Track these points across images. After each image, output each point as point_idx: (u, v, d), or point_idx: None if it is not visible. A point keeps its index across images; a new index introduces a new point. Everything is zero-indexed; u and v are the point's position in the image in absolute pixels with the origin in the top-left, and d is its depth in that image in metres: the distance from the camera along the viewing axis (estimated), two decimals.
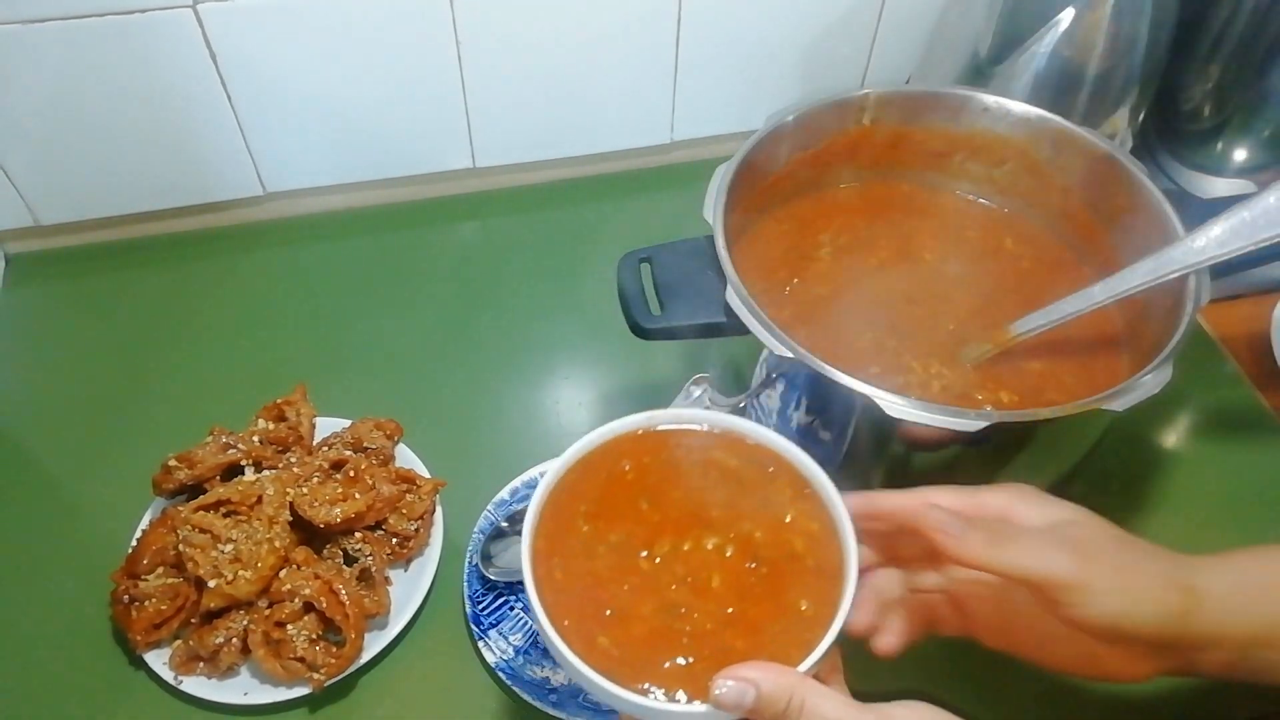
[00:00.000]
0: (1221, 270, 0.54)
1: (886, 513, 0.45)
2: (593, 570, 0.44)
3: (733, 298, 0.54)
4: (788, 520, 0.45)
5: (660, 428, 0.49)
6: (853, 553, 0.43)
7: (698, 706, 0.39)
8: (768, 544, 0.45)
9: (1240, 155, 0.82)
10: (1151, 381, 0.50)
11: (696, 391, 0.71)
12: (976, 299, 0.64)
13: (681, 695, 0.40)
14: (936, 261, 0.66)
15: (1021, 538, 0.42)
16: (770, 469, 0.47)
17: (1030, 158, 0.66)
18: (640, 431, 0.48)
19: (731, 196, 0.59)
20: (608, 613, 0.43)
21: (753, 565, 0.44)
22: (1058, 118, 0.64)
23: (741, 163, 0.60)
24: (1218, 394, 0.76)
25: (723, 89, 0.89)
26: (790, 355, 0.51)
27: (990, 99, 0.65)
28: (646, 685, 0.40)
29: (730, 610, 0.43)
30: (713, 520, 0.45)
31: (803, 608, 0.42)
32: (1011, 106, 0.65)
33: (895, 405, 0.49)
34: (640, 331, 0.57)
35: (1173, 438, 0.73)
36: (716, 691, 0.38)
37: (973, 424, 0.48)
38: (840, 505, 0.44)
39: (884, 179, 0.70)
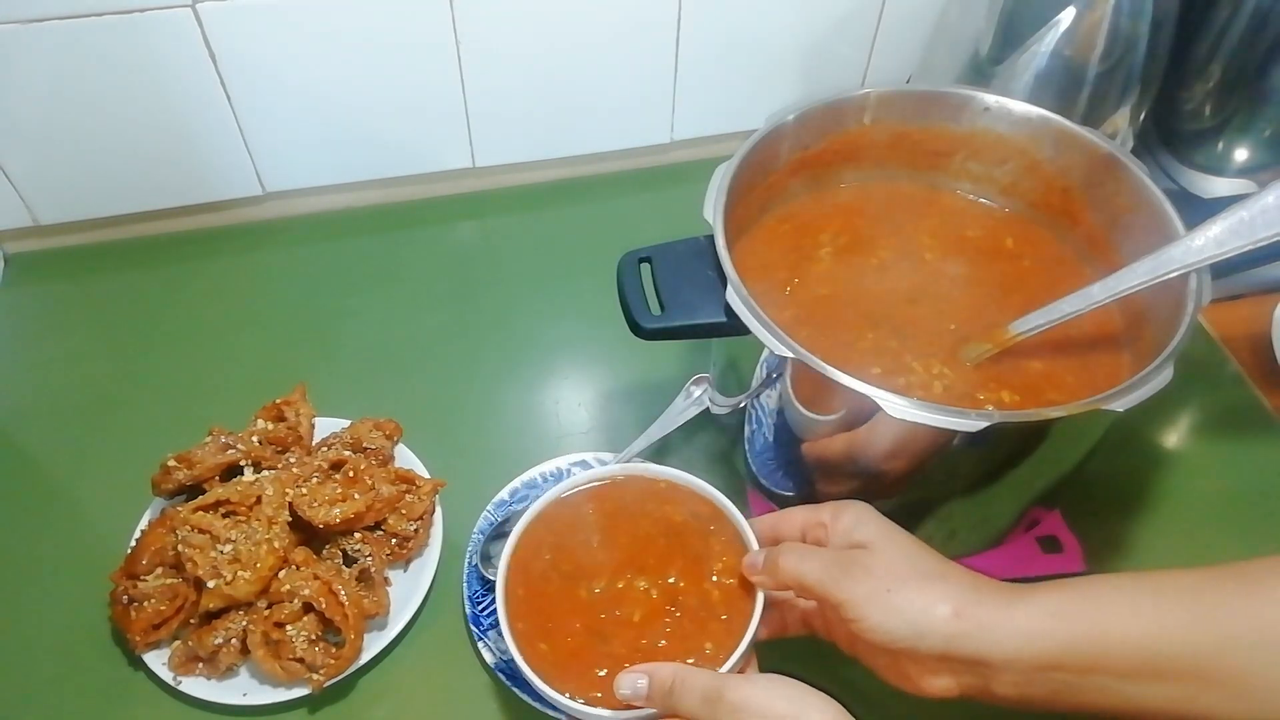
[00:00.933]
0: (1222, 270, 0.53)
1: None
2: (546, 591, 0.54)
3: (733, 298, 0.54)
4: (713, 578, 0.54)
5: (630, 476, 0.58)
6: (759, 610, 0.51)
7: (602, 711, 0.49)
8: (688, 593, 0.53)
9: (1241, 155, 0.82)
10: (1153, 382, 0.50)
11: (696, 391, 0.71)
12: (977, 299, 0.64)
13: (594, 697, 0.50)
14: (937, 261, 0.66)
15: (808, 559, 0.48)
16: (711, 527, 0.56)
17: (1031, 157, 0.66)
18: (612, 480, 0.58)
19: (732, 196, 0.59)
20: (550, 625, 0.53)
21: (672, 608, 0.53)
22: (1059, 117, 0.64)
23: (741, 163, 0.60)
24: (1219, 394, 0.76)
25: (723, 89, 0.89)
26: (791, 355, 0.51)
27: (991, 99, 0.65)
28: (570, 689, 0.50)
29: (644, 641, 0.52)
30: (647, 566, 0.55)
31: (706, 649, 0.51)
32: (1012, 106, 0.65)
33: (897, 406, 0.48)
34: (640, 331, 0.56)
35: (1173, 438, 0.73)
36: (619, 689, 0.48)
37: (974, 424, 0.48)
38: None
39: (884, 179, 0.70)
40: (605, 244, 0.87)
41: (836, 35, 0.87)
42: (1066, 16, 0.72)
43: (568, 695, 0.50)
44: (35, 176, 0.80)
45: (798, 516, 0.52)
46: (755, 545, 0.53)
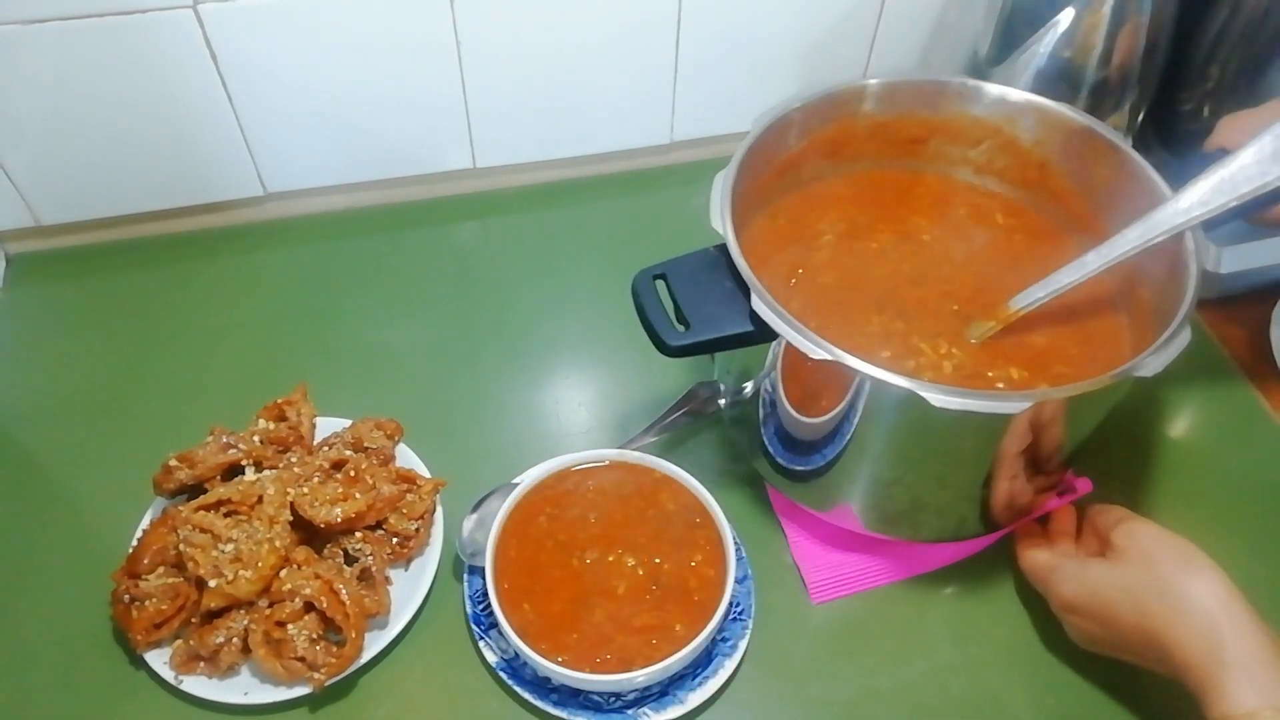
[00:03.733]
0: (1213, 225, 0.55)
1: None
2: (537, 556, 0.60)
3: (760, 306, 0.53)
4: (693, 564, 0.59)
5: (631, 463, 0.64)
6: (727, 596, 0.57)
7: (563, 669, 0.55)
8: (670, 574, 0.59)
9: None
10: (1174, 344, 0.52)
11: (702, 395, 0.70)
12: (977, 277, 0.65)
13: (562, 659, 0.55)
14: (933, 243, 0.67)
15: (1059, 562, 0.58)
16: (697, 519, 0.61)
17: (1005, 135, 0.67)
18: (613, 463, 0.64)
19: (734, 202, 0.59)
20: (537, 588, 0.59)
21: (653, 586, 0.59)
22: (1035, 96, 0.65)
23: (739, 168, 0.61)
24: (1217, 394, 0.76)
25: (723, 89, 0.89)
26: (828, 357, 0.51)
27: (957, 81, 0.67)
28: (544, 646, 0.56)
29: (624, 613, 0.58)
30: (637, 545, 0.60)
31: (677, 628, 0.57)
32: (987, 89, 0.66)
33: (940, 398, 0.49)
34: (666, 350, 0.56)
35: (1170, 437, 0.73)
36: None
37: (1018, 405, 0.49)
38: (733, 564, 0.58)
39: (868, 169, 0.71)
40: (605, 244, 0.87)
41: (836, 35, 0.87)
42: (1065, 17, 0.72)
43: (539, 652, 0.55)
44: (37, 177, 0.80)
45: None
46: (732, 543, 0.59)
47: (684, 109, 0.90)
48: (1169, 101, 0.83)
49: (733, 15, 0.83)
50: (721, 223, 0.57)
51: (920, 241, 0.67)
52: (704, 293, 0.57)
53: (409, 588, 0.63)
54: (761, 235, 0.67)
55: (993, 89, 0.66)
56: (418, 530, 0.64)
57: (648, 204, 0.91)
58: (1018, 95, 0.66)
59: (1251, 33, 0.78)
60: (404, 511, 0.64)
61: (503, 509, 0.61)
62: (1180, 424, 0.74)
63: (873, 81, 0.67)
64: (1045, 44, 0.73)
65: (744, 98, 0.90)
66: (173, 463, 0.63)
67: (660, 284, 0.58)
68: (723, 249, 0.57)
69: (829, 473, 0.61)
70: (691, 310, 0.56)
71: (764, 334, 0.54)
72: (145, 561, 0.61)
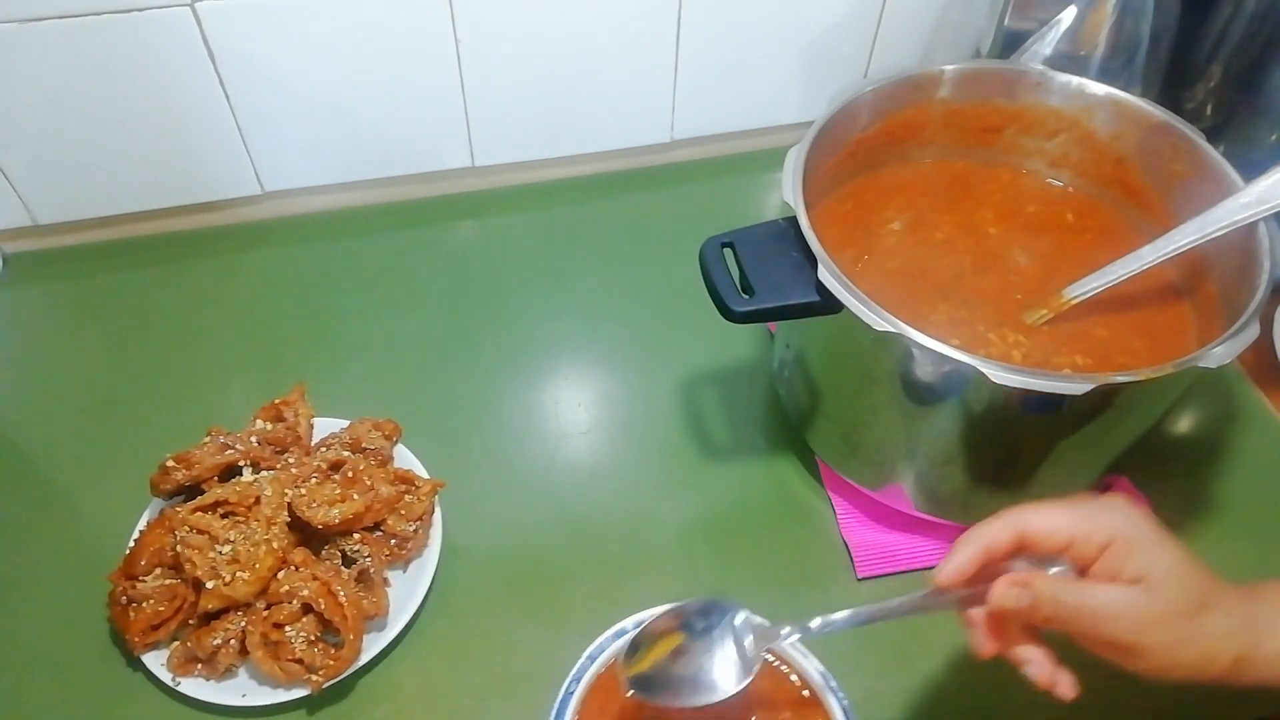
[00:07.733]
0: None
1: (980, 561, 0.46)
2: None
3: (826, 276, 0.54)
4: None
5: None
6: None
7: None
8: None
9: (1243, 155, 0.81)
10: (1240, 338, 0.51)
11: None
12: (1043, 270, 0.65)
13: None
14: (999, 236, 0.67)
15: (1095, 598, 0.44)
16: None
17: (1083, 128, 0.67)
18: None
19: (805, 179, 0.59)
20: None
21: None
22: (1115, 89, 0.65)
23: (812, 144, 0.61)
24: (1218, 393, 0.75)
25: (723, 89, 0.89)
26: (891, 330, 0.51)
27: (1036, 70, 0.66)
28: None
29: None
30: None
31: None
32: (1066, 80, 0.66)
33: (999, 374, 0.50)
34: (731, 315, 0.56)
35: (1173, 438, 0.73)
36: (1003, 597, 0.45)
37: (1077, 387, 0.49)
38: None
39: (938, 158, 0.71)
40: (605, 243, 0.87)
41: (836, 35, 0.87)
42: (1068, 16, 0.72)
43: None
44: (33, 176, 0.79)
45: (1063, 526, 0.44)
46: None
47: (684, 108, 0.89)
48: (1172, 101, 0.83)
49: (733, 15, 0.83)
50: (792, 194, 0.58)
51: (986, 234, 0.67)
52: (770, 263, 0.57)
53: (407, 589, 0.63)
54: (829, 217, 0.67)
55: (1071, 80, 0.66)
56: (416, 531, 0.63)
57: (647, 203, 0.91)
58: (1097, 88, 0.66)
59: (1254, 31, 0.77)
60: (402, 513, 0.64)
61: (610, 650, 0.53)
62: (1183, 424, 0.74)
63: (950, 67, 0.67)
64: (1048, 42, 0.73)
65: (744, 97, 0.90)
66: (170, 463, 0.63)
67: (727, 253, 0.58)
68: (791, 221, 0.57)
69: (883, 450, 0.61)
70: (757, 279, 0.57)
71: (828, 305, 0.54)
72: (142, 563, 0.61)
